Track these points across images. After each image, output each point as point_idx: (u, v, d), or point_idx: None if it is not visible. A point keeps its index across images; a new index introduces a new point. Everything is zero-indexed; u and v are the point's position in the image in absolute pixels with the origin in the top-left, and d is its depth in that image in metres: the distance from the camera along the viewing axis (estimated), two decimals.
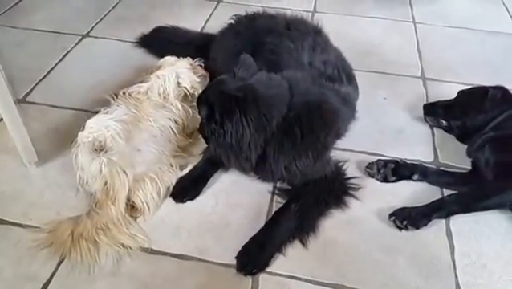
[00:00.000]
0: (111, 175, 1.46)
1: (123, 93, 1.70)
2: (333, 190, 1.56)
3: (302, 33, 1.86)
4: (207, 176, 1.65)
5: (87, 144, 1.48)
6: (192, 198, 1.58)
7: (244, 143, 1.45)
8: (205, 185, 1.62)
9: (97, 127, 1.50)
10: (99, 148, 1.48)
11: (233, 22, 2.05)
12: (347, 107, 1.71)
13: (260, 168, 1.56)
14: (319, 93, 1.62)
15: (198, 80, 1.81)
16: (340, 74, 1.77)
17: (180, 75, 1.78)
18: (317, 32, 1.92)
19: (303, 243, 1.44)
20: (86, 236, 1.40)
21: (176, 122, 1.70)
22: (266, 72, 1.59)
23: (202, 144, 1.68)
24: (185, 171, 1.66)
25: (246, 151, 1.47)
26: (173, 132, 1.68)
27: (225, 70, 1.70)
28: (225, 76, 1.55)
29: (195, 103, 1.60)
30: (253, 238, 1.43)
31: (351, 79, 1.82)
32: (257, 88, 1.48)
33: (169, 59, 1.88)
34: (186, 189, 1.60)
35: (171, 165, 1.62)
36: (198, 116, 1.59)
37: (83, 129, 1.51)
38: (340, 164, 1.65)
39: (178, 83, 1.76)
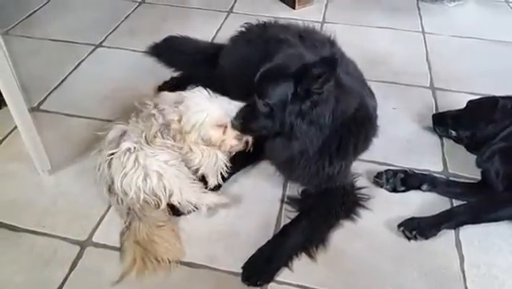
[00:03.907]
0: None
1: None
2: (345, 203, 1.55)
3: (318, 43, 1.83)
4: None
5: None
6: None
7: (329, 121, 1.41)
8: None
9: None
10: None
11: (243, 29, 2.03)
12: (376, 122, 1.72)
13: (288, 164, 1.55)
14: (371, 106, 1.63)
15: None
16: (366, 88, 1.76)
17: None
18: (332, 43, 1.89)
19: (312, 256, 1.43)
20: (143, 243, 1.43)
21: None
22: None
23: None
24: None
25: (322, 135, 1.44)
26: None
27: (234, 77, 1.69)
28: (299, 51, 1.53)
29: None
30: (260, 250, 1.43)
31: (372, 94, 1.80)
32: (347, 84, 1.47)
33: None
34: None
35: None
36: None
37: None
38: (354, 176, 1.65)
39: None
